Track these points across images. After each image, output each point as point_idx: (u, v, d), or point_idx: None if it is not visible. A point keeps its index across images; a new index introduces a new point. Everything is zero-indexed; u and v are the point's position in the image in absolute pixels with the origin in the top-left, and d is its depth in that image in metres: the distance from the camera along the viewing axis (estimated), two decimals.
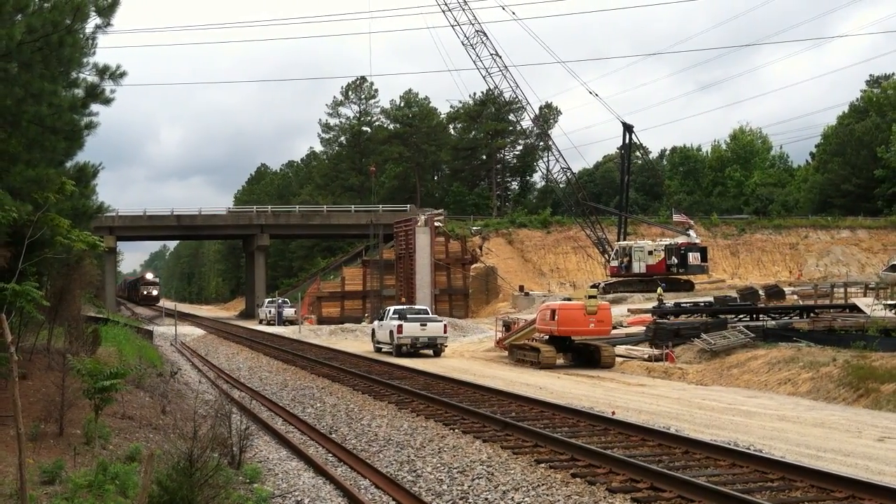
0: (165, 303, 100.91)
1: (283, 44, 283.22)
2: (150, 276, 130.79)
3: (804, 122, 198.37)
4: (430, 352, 34.14)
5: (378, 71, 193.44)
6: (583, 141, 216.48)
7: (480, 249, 70.55)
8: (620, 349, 29.81)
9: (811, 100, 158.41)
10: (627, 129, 61.14)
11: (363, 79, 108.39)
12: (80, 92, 13.86)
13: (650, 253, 56.22)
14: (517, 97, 63.06)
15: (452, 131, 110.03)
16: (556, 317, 28.37)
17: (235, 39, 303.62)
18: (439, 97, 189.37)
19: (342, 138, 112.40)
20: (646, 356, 28.18)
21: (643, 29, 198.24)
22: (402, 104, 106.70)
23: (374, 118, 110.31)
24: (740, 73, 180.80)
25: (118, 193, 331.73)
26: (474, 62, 60.63)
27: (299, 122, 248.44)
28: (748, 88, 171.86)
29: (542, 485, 11.29)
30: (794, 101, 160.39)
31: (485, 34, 60.32)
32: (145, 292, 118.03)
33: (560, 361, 29.26)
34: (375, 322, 38.35)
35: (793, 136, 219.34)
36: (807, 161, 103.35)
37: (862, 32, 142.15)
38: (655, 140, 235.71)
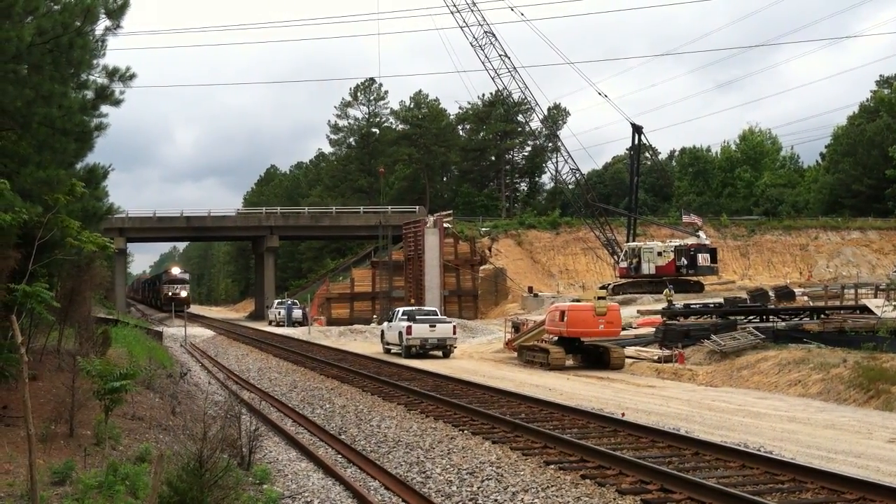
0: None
1: (297, 45, 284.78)
2: (176, 270, 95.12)
3: (821, 122, 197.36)
4: (440, 353, 34.12)
5: (392, 71, 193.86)
6: (597, 141, 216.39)
7: (489, 251, 70.54)
8: (630, 350, 29.74)
9: (829, 99, 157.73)
10: (637, 129, 60.99)
11: (372, 80, 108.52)
12: (89, 94, 13.91)
13: (660, 254, 56.06)
14: (526, 98, 62.90)
15: (461, 132, 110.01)
16: (566, 318, 28.32)
17: (251, 41, 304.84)
18: (451, 98, 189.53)
19: (351, 139, 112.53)
20: (655, 357, 28.10)
21: (660, 27, 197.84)
22: (411, 105, 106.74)
23: (384, 119, 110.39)
24: (758, 72, 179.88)
25: (133, 195, 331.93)
26: (483, 63, 60.53)
27: (313, 124, 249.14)
28: (765, 87, 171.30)
29: (552, 486, 11.26)
30: (812, 100, 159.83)
31: (493, 35, 60.22)
32: (171, 293, 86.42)
33: (569, 363, 29.21)
34: (385, 323, 38.34)
35: (810, 136, 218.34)
36: (817, 161, 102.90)
37: (877, 32, 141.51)
38: (671, 140, 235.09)
